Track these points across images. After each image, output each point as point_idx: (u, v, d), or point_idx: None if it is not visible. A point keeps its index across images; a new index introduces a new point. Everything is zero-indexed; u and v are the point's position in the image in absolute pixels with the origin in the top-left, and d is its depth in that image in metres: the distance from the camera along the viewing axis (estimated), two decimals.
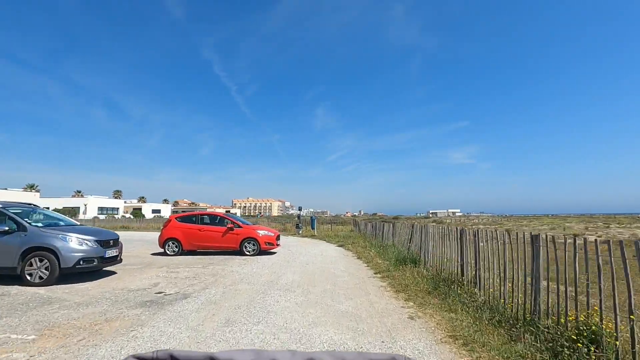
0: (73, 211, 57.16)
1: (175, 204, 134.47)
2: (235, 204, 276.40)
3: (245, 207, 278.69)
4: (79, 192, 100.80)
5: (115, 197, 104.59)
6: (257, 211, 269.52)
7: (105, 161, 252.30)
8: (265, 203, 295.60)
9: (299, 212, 28.94)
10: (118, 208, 67.67)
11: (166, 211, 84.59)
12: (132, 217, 60.75)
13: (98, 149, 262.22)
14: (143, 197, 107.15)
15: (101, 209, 62.23)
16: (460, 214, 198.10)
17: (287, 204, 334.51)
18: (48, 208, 17.46)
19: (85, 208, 59.24)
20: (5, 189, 50.94)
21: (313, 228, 25.68)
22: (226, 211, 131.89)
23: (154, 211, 78.33)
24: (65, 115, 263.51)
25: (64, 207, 53.48)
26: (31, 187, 70.68)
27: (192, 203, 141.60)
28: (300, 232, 26.32)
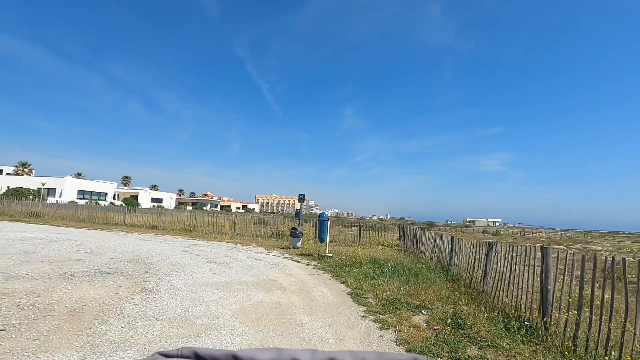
0: (35, 193, 47.73)
1: (192, 195, 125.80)
2: (257, 199, 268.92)
3: (267, 203, 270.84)
4: (127, 177, 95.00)
5: (124, 183, 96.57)
6: (279, 208, 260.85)
7: (141, 153, 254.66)
8: (288, 200, 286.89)
9: (299, 204, 15.81)
10: (106, 193, 57.58)
11: (169, 201, 74.40)
12: (122, 204, 50.72)
13: (135, 141, 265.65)
14: (155, 185, 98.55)
15: (82, 193, 52.23)
16: (501, 224, 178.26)
17: (312, 202, 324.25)
18: None
19: (62, 191, 49.32)
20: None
21: (323, 239, 12.38)
22: (244, 206, 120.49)
23: (153, 200, 68.16)
24: (105, 108, 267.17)
25: (17, 188, 43.53)
26: (78, 175, 68.50)
27: (206, 195, 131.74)
28: (299, 244, 13.35)
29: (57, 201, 43.76)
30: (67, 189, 49.97)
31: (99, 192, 55.94)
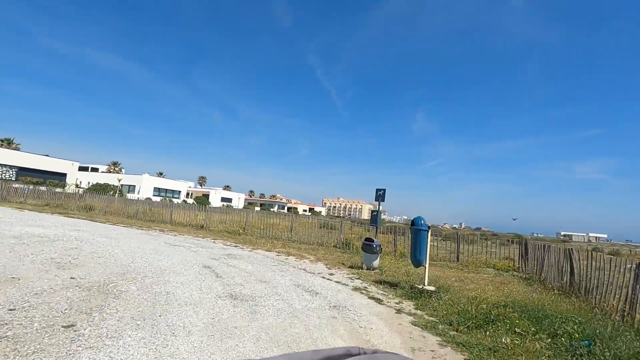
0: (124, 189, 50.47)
1: (262, 196, 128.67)
2: (325, 203, 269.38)
3: (334, 207, 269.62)
4: (203, 177, 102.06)
5: (200, 183, 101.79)
6: (346, 212, 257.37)
7: (218, 156, 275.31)
8: (356, 205, 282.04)
9: (376, 204, 10.98)
10: (180, 191, 59.47)
11: (238, 201, 75.32)
12: (195, 202, 51.83)
13: (213, 145, 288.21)
14: (228, 186, 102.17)
15: (158, 190, 54.31)
16: (605, 240, 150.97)
17: (380, 208, 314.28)
18: None
19: (140, 187, 51.66)
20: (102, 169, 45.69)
21: (419, 261, 7.35)
22: (310, 209, 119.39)
23: (223, 199, 69.32)
24: (188, 115, 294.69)
25: (105, 184, 46.05)
26: (160, 174, 72.79)
27: (274, 196, 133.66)
28: (376, 264, 8.92)
29: (138, 197, 45.81)
30: (145, 186, 52.22)
31: (173, 190, 57.91)
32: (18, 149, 46.28)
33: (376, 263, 9.08)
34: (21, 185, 22.23)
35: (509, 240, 15.93)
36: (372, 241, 9.14)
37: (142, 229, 13.83)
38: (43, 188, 23.26)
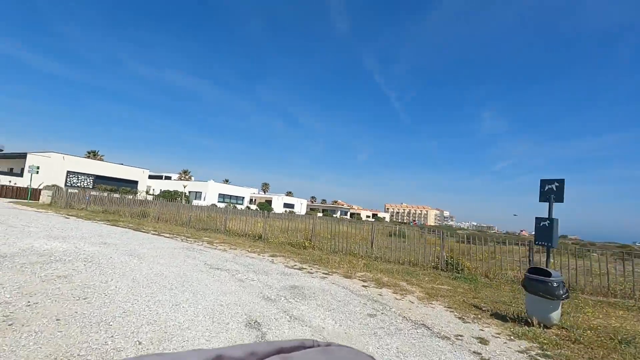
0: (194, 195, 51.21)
1: (323, 202, 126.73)
2: (387, 208, 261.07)
3: (397, 212, 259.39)
4: (266, 184, 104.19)
5: (263, 190, 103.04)
6: (410, 218, 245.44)
7: (280, 163, 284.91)
8: (421, 210, 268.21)
9: (549, 205, 6.52)
10: (243, 197, 59.16)
11: (300, 207, 73.53)
12: (257, 209, 51.00)
13: (275, 153, 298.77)
14: (290, 192, 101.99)
15: (222, 196, 54.37)
16: None
17: (446, 213, 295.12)
18: None
19: (206, 194, 52.05)
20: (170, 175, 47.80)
21: None
22: (374, 215, 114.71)
23: (286, 205, 68.00)
24: (252, 126, 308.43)
25: (174, 191, 46.87)
26: (225, 181, 76.75)
27: (336, 202, 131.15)
28: (555, 318, 4.72)
29: (203, 203, 46.11)
30: (210, 193, 52.51)
31: (237, 196, 57.70)
32: (102, 160, 49.50)
33: (556, 315, 4.91)
34: (74, 190, 21.65)
35: None
36: (548, 274, 4.99)
37: (187, 241, 11.17)
38: (116, 195, 23.08)
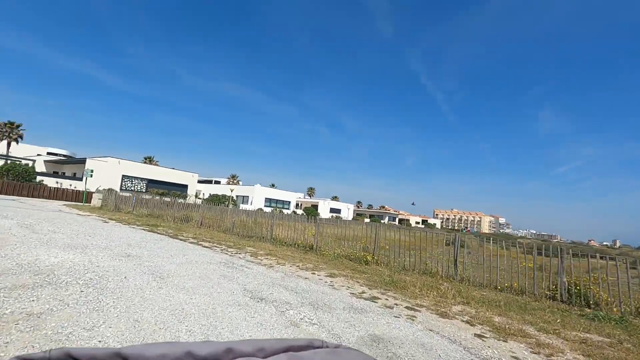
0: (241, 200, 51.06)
1: (370, 207, 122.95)
2: (436, 214, 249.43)
3: (447, 219, 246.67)
4: (312, 188, 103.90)
5: (309, 194, 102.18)
6: (462, 225, 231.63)
7: (325, 168, 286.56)
8: (474, 217, 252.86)
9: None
10: (289, 202, 58.13)
11: (347, 212, 71.08)
12: (303, 213, 49.70)
13: (320, 158, 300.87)
14: (336, 197, 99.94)
15: (269, 200, 53.70)
16: None
17: (502, 220, 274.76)
18: None
19: (252, 198, 51.69)
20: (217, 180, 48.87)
21: None
22: (423, 221, 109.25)
23: (332, 210, 66.01)
24: (299, 132, 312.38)
25: (222, 195, 46.88)
26: (272, 185, 78.45)
27: (383, 207, 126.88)
28: None
29: (250, 207, 45.75)
30: (257, 197, 52.06)
31: (283, 201, 56.78)
32: (157, 165, 51.20)
33: None
34: (128, 195, 21.26)
35: None
36: None
37: (227, 252, 9.40)
38: (167, 199, 22.88)
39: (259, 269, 7.53)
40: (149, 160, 58.98)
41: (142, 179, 38.62)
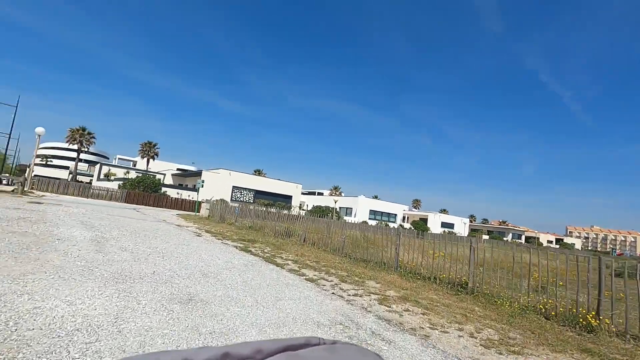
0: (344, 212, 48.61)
1: (485, 221, 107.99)
2: (571, 232, 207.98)
3: (587, 237, 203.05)
4: (417, 200, 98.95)
5: (414, 206, 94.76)
6: (609, 246, 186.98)
7: (428, 180, 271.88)
8: (624, 236, 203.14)
9: None
10: (395, 214, 53.34)
11: (462, 227, 62.39)
12: (412, 228, 44.76)
13: (423, 169, 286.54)
14: (445, 210, 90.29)
15: (373, 213, 49.98)
16: None
17: None
18: None
19: (356, 210, 48.76)
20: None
21: None
22: (557, 240, 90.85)
23: (444, 225, 58.55)
24: (398, 143, 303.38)
25: (325, 206, 45.05)
26: (375, 197, 77.20)
27: (503, 222, 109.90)
28: None
29: (353, 220, 43.09)
30: (360, 209, 48.94)
31: (389, 213, 52.33)
32: (264, 176, 53.01)
33: None
34: (234, 205, 20.25)
35: None
36: None
37: (342, 291, 6.09)
38: (273, 210, 21.98)
39: (405, 345, 3.95)
40: (258, 172, 61.83)
41: (250, 190, 39.44)
